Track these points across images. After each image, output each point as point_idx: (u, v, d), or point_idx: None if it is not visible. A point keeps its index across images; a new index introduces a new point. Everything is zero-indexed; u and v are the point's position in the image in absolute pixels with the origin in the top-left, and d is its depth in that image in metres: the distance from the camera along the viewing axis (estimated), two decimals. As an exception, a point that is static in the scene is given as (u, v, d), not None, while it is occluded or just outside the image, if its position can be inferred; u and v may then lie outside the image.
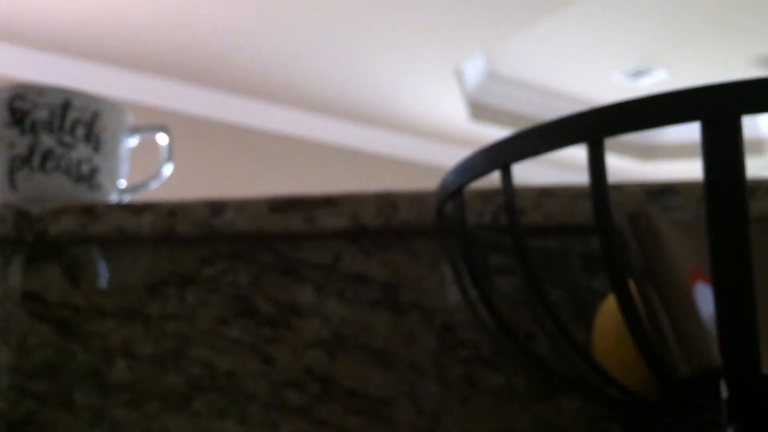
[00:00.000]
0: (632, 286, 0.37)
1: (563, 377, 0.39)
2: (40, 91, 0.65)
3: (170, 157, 0.71)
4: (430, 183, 4.52)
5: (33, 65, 3.64)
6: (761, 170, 4.57)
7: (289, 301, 0.57)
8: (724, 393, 0.31)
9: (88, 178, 0.66)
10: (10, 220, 0.61)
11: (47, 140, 0.64)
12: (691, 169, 4.79)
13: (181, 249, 0.60)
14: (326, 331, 0.56)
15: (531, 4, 3.08)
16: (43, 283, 0.62)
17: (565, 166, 5.03)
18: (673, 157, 4.85)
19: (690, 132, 4.63)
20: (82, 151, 0.65)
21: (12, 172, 0.64)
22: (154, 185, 0.72)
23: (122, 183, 0.70)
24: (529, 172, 4.98)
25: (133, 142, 0.71)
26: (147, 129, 0.71)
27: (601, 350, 0.43)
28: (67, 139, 0.65)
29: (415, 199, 0.55)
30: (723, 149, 0.25)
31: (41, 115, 0.64)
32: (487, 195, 0.53)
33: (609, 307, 0.44)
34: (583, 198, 0.51)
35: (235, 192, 3.89)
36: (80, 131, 0.65)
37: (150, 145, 0.79)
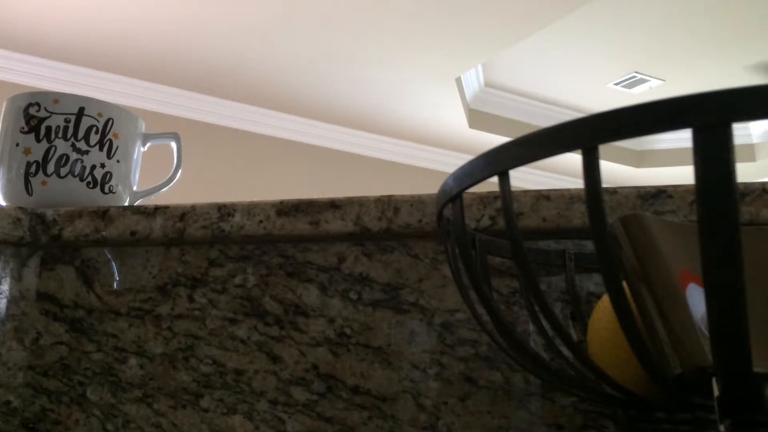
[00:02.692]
0: (626, 287, 0.37)
1: (559, 375, 0.39)
2: (56, 99, 0.66)
3: (181, 163, 0.73)
4: (430, 187, 4.52)
5: (49, 75, 3.67)
6: (752, 175, 4.57)
7: (295, 302, 0.58)
8: (716, 391, 0.31)
9: (102, 182, 0.67)
10: (26, 223, 0.62)
11: (62, 146, 0.66)
12: (684, 175, 4.79)
13: (191, 251, 0.61)
14: (331, 330, 0.57)
15: (529, 17, 3.09)
16: (57, 284, 0.63)
17: (561, 172, 5.03)
18: (666, 163, 4.86)
19: (683, 138, 4.64)
20: (95, 156, 0.67)
21: (28, 177, 0.66)
22: (165, 189, 0.73)
23: (134, 187, 0.72)
24: (527, 177, 4.98)
25: (145, 147, 0.73)
26: (158, 135, 0.73)
27: (596, 349, 0.43)
28: (81, 145, 0.66)
29: (416, 202, 0.56)
30: (714, 155, 0.25)
31: (56, 122, 0.66)
32: (485, 199, 0.54)
33: (603, 307, 0.44)
34: (578, 202, 0.52)
35: (244, 196, 3.91)
36: (94, 138, 0.67)
37: (161, 151, 0.80)
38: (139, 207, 0.62)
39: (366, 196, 0.57)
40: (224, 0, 3.06)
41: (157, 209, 0.61)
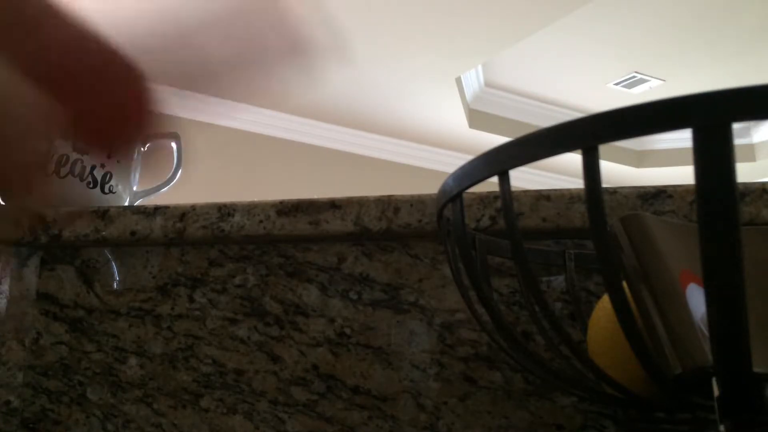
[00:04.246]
0: (626, 287, 0.37)
1: (559, 375, 0.39)
2: (55, 98, 0.66)
3: (181, 163, 0.73)
4: (430, 187, 4.53)
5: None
6: (752, 175, 4.57)
7: (295, 302, 0.58)
8: (716, 391, 0.31)
9: (102, 182, 0.67)
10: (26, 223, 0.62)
11: (62, 146, 0.66)
12: (684, 175, 4.79)
13: (191, 251, 0.61)
14: (331, 330, 0.57)
15: (529, 17, 3.09)
16: (57, 284, 0.63)
17: (561, 172, 5.04)
18: (666, 163, 4.86)
19: (683, 138, 4.64)
20: (95, 156, 0.67)
21: (27, 176, 0.66)
22: (166, 189, 0.73)
23: (134, 187, 0.72)
24: (527, 177, 4.98)
25: (145, 147, 0.73)
26: (159, 135, 0.73)
27: (596, 349, 0.43)
28: (81, 145, 0.66)
29: (416, 202, 0.56)
30: (714, 155, 0.25)
31: (56, 121, 0.66)
32: (485, 199, 0.54)
33: (604, 307, 0.44)
34: (578, 202, 0.52)
35: (244, 196, 3.90)
36: (93, 137, 0.67)
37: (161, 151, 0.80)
38: (139, 207, 0.62)
39: (366, 196, 0.57)
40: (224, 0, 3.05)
41: (157, 209, 0.61)
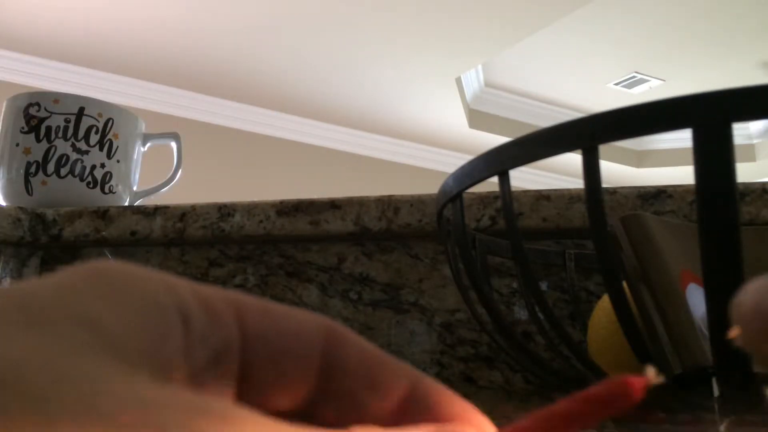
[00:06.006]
0: (626, 287, 0.37)
1: (559, 375, 0.39)
2: (56, 99, 0.66)
3: (181, 163, 0.73)
4: (430, 187, 4.52)
5: (49, 75, 3.67)
6: (752, 175, 4.57)
7: (295, 302, 0.58)
8: (716, 391, 0.31)
9: (102, 182, 0.67)
10: (26, 223, 0.62)
11: (62, 146, 0.66)
12: (684, 175, 4.79)
13: (191, 251, 0.61)
14: (331, 330, 0.57)
15: (529, 17, 3.09)
16: (57, 284, 0.63)
17: (561, 172, 5.04)
18: (666, 163, 4.86)
19: (683, 138, 4.64)
20: (95, 156, 0.67)
21: (28, 177, 0.66)
22: (166, 189, 0.73)
23: (134, 187, 0.72)
24: (527, 177, 4.98)
25: (145, 147, 0.73)
26: (158, 135, 0.73)
27: (596, 349, 0.43)
28: (81, 145, 0.66)
29: (416, 202, 0.56)
30: (714, 155, 0.25)
31: (56, 122, 0.66)
32: (485, 199, 0.54)
33: (603, 307, 0.44)
34: (578, 202, 0.52)
35: (244, 196, 3.90)
36: (94, 138, 0.67)
37: (161, 151, 0.80)
38: (139, 207, 0.62)
39: (366, 196, 0.57)
40: (224, 0, 3.06)
41: (157, 209, 0.61)
